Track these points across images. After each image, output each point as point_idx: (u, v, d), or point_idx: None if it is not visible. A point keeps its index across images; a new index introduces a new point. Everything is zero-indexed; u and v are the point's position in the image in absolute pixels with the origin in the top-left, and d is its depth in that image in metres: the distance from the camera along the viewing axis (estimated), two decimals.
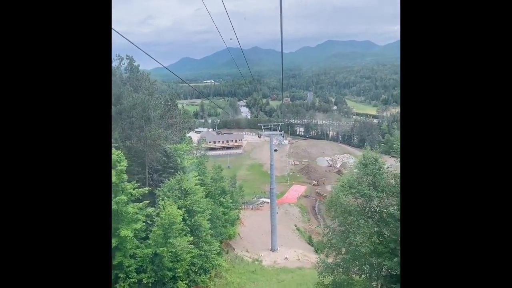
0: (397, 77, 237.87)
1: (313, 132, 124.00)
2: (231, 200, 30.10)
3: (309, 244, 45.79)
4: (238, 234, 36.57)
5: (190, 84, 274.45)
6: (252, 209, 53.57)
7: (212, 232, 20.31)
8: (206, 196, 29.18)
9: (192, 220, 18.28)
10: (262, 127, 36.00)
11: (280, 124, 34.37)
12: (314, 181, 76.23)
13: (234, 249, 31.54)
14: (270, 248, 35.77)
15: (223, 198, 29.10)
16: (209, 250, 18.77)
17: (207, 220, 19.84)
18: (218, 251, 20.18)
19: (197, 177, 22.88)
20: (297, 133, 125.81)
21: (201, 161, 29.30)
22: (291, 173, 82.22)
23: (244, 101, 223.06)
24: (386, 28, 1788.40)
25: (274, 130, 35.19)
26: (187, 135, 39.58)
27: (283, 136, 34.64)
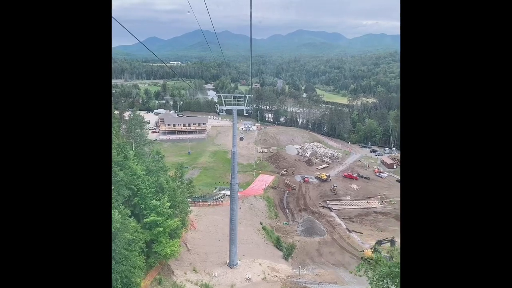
0: (365, 68, 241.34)
1: (283, 118, 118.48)
2: (169, 204, 20.33)
3: (276, 247, 38.80)
4: (186, 244, 27.20)
5: (157, 64, 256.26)
6: (209, 205, 44.41)
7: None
8: (134, 196, 19.23)
9: None
10: (223, 100, 26.06)
11: (247, 95, 24.73)
12: (282, 171, 70.12)
13: (173, 272, 22.07)
14: (227, 262, 27.10)
15: (157, 200, 19.34)
16: None
17: None
18: None
19: None
20: (266, 119, 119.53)
21: (121, 144, 18.99)
22: (258, 162, 75.83)
23: (212, 84, 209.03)
24: (354, 22, 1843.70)
25: (239, 105, 25.63)
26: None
27: (251, 112, 25.21)
